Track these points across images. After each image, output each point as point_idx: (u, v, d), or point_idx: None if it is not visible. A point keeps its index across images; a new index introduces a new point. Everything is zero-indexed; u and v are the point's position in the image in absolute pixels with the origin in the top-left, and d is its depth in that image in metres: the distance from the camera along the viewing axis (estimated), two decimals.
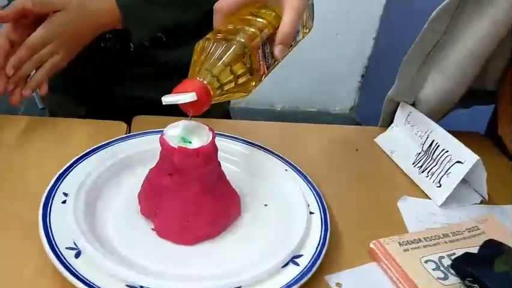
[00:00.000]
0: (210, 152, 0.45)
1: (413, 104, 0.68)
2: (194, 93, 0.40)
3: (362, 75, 2.34)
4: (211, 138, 0.45)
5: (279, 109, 2.41)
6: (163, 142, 0.45)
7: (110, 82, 0.77)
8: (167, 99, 0.41)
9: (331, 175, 0.62)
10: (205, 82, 0.42)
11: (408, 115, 0.67)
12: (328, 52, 2.20)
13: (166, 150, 0.44)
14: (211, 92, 0.42)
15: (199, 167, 0.44)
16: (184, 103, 0.41)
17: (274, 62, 0.49)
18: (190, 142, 0.45)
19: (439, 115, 0.68)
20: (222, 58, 0.43)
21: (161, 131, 0.58)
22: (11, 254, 0.44)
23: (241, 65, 0.44)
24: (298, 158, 0.59)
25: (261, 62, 0.46)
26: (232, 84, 0.44)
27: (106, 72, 0.76)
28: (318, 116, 2.38)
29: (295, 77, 2.11)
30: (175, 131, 0.45)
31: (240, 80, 0.44)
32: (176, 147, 0.44)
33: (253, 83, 0.45)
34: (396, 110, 0.71)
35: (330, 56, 2.22)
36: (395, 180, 0.64)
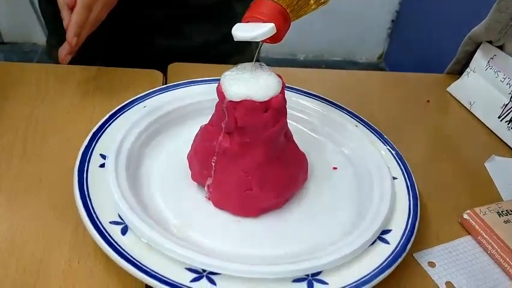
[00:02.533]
0: (281, 106, 0.36)
1: (501, 48, 0.57)
2: (273, 24, 0.32)
3: (392, 21, 2.18)
4: (280, 88, 0.36)
5: (301, 59, 2.28)
6: (221, 93, 0.36)
7: (124, 26, 0.64)
8: (240, 35, 0.33)
9: (400, 132, 0.52)
10: (280, 2, 0.33)
11: (492, 58, 0.57)
12: None
13: (227, 103, 0.35)
14: (290, 15, 0.34)
15: (267, 124, 0.36)
16: None
17: None
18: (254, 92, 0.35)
19: None
20: None
21: (208, 80, 0.50)
22: (40, 230, 0.36)
23: None
24: (357, 113, 0.50)
25: None
26: None
27: (118, 14, 0.65)
28: (343, 66, 2.24)
29: (318, 24, 1.96)
30: (235, 78, 0.36)
31: None
32: (239, 99, 0.35)
33: None
34: (473, 54, 0.60)
35: (356, 0, 2.05)
36: (478, 137, 0.55)
